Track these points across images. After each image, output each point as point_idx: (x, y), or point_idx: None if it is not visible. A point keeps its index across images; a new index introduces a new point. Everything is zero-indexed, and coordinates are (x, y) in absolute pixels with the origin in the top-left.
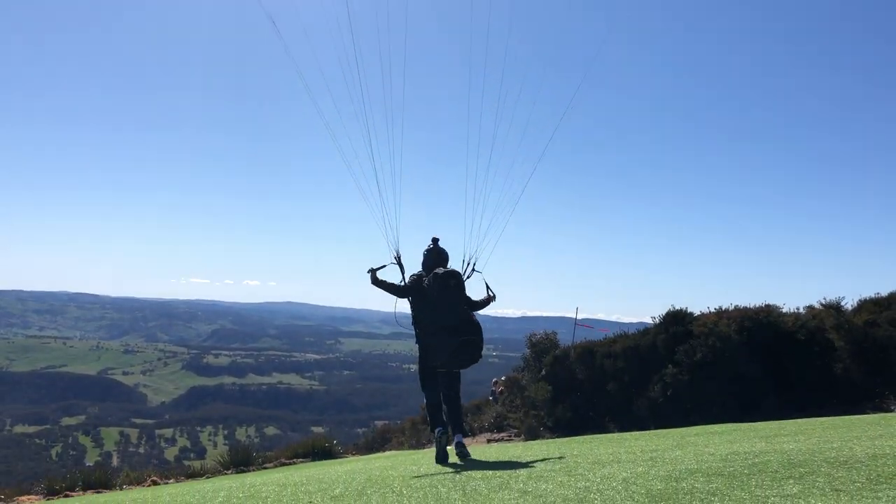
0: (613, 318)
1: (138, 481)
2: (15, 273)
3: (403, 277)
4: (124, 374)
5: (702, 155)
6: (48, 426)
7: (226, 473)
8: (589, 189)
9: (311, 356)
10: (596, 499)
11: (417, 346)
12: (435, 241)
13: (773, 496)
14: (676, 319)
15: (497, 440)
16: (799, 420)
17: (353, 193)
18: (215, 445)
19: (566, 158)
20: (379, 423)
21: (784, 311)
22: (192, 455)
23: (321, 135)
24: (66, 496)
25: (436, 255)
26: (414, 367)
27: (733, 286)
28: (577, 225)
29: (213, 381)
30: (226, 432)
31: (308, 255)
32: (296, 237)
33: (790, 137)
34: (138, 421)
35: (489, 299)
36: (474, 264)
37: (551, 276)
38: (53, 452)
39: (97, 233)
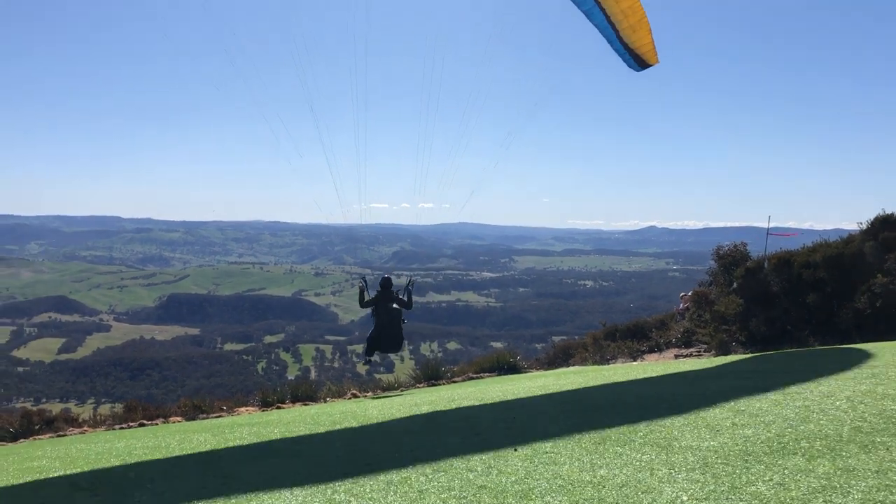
0: (806, 225)
1: (340, 394)
2: (216, 206)
3: (368, 291)
4: (316, 295)
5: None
6: (253, 344)
7: (419, 387)
8: (774, 84)
9: (487, 274)
10: (821, 419)
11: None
12: (385, 278)
13: None
14: (887, 224)
15: (685, 356)
16: None
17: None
18: (402, 360)
19: (747, 53)
20: (556, 339)
21: None
22: (381, 369)
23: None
24: (279, 407)
25: (384, 281)
26: (589, 283)
27: None
28: (761, 128)
29: None
30: (411, 347)
31: (478, 176)
32: (464, 158)
33: None
34: (331, 338)
35: (407, 304)
36: (412, 280)
37: (734, 184)
38: (259, 367)
39: (285, 165)
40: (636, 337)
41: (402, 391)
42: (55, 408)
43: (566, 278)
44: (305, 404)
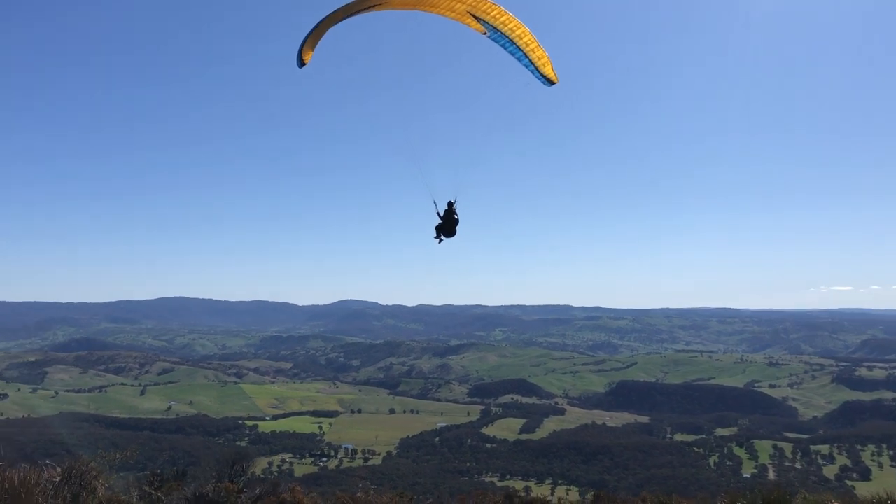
0: None
1: None
2: (660, 292)
3: (438, 210)
4: (770, 386)
5: None
6: (703, 436)
7: None
8: None
9: None
10: None
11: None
12: (450, 202)
13: None
14: None
15: None
16: None
17: None
18: (881, 467)
19: None
20: None
21: None
22: (854, 475)
23: None
24: None
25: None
26: None
27: None
28: None
29: (869, 395)
30: (891, 453)
31: None
32: None
33: None
34: (790, 435)
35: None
36: (456, 199)
37: None
38: (711, 461)
39: (722, 250)
40: None
41: None
42: (518, 485)
43: None
44: None
